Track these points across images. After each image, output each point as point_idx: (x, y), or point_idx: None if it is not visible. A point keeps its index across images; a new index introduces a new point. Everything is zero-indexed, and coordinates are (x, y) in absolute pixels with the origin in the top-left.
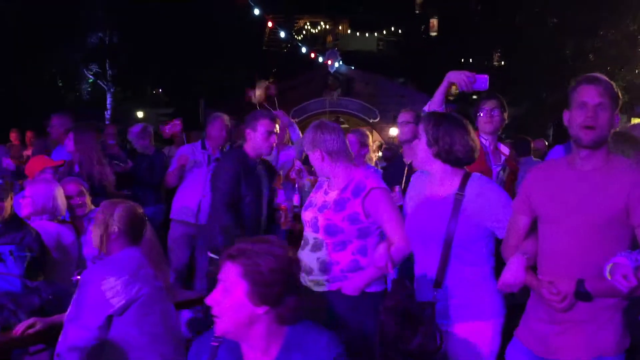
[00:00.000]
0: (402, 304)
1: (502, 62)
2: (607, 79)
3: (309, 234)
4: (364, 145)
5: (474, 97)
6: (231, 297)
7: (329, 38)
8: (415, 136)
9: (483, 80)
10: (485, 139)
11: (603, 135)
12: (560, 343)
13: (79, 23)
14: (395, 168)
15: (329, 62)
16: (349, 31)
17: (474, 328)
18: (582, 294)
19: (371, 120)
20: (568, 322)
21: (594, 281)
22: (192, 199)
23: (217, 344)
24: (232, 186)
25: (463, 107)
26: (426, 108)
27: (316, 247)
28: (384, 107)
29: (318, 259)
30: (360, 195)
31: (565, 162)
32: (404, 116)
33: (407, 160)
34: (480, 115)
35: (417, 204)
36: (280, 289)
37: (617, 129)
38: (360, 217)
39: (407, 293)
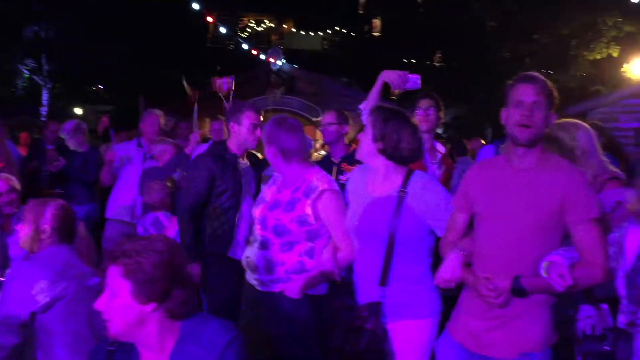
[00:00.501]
0: (348, 306)
1: (444, 63)
2: (543, 78)
3: (257, 231)
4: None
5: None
6: (117, 299)
7: (274, 36)
8: (340, 136)
9: (415, 80)
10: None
11: (538, 134)
12: (491, 339)
13: (14, 16)
14: (322, 167)
15: (272, 60)
16: (293, 30)
17: (413, 326)
18: (518, 291)
19: (314, 119)
20: (500, 318)
21: (530, 278)
22: (127, 197)
23: (113, 348)
24: (199, 193)
25: (401, 106)
26: (362, 106)
27: (263, 246)
28: (328, 106)
29: (264, 257)
30: (310, 196)
31: (503, 160)
32: (327, 117)
33: (335, 159)
34: (416, 113)
35: (358, 200)
36: (165, 284)
37: None
38: (309, 219)
39: (351, 294)
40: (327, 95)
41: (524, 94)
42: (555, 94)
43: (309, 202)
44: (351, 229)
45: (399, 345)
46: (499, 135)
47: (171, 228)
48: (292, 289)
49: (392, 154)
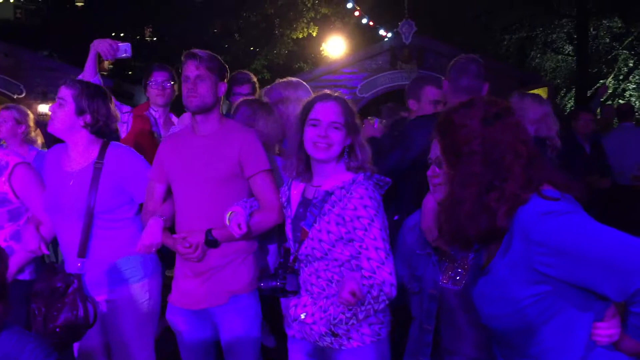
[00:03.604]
0: (49, 285)
1: (155, 38)
2: (208, 53)
3: None
4: (20, 122)
5: (129, 72)
6: None
7: None
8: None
9: (126, 49)
10: (155, 111)
11: (206, 102)
12: (204, 291)
13: None
14: None
15: None
16: None
17: (127, 291)
18: (211, 242)
19: (16, 97)
20: (208, 271)
21: (220, 229)
22: None
23: None
24: None
25: (119, 82)
26: (79, 78)
27: None
28: (30, 82)
29: None
30: (3, 173)
31: (189, 128)
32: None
33: None
34: (150, 87)
35: (54, 176)
36: None
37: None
38: (9, 197)
39: (55, 275)
40: (29, 69)
41: (188, 69)
42: (221, 65)
43: (3, 179)
44: (49, 207)
45: (117, 313)
46: None
47: None
48: None
49: (97, 128)
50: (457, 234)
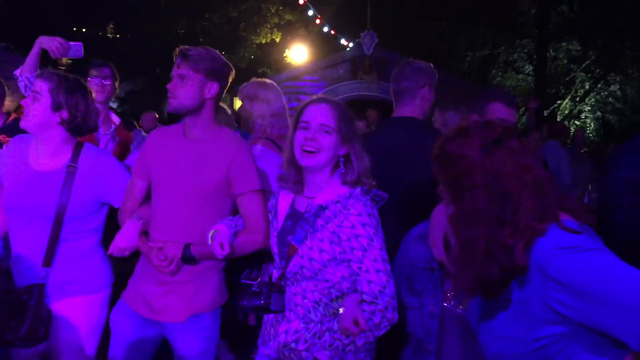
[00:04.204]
0: (8, 293)
1: (117, 35)
2: (200, 51)
3: None
4: None
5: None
6: None
7: None
8: None
9: (77, 48)
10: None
11: (184, 104)
12: (163, 304)
13: None
14: None
15: None
16: None
17: (82, 302)
18: (188, 258)
19: None
20: (171, 283)
21: (199, 246)
22: None
23: None
24: None
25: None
26: (18, 72)
27: None
28: None
29: None
30: None
31: (180, 129)
32: None
33: None
34: (90, 83)
35: (18, 175)
36: None
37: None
38: None
39: (8, 281)
40: None
41: (173, 68)
42: (213, 64)
43: None
44: (10, 205)
45: (66, 326)
46: None
47: None
48: None
49: (75, 125)
50: (479, 280)
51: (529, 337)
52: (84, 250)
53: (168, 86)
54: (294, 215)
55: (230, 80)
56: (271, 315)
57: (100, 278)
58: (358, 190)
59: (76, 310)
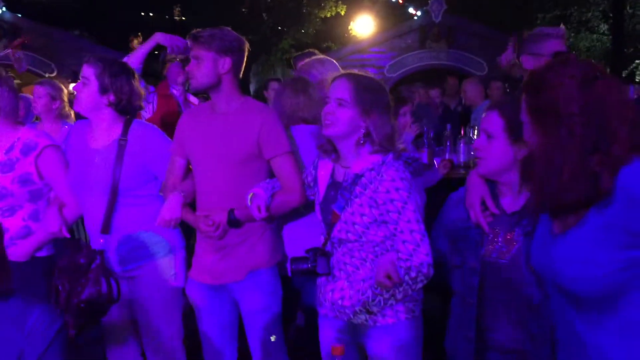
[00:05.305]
0: (73, 260)
1: (183, 18)
2: (209, 31)
3: None
4: (55, 98)
5: (156, 52)
6: None
7: None
8: None
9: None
10: (176, 90)
11: (201, 83)
12: (223, 267)
13: None
14: None
15: None
16: None
17: (153, 266)
18: (233, 222)
19: (47, 75)
20: (226, 247)
21: (242, 209)
22: None
23: None
24: None
25: (147, 62)
26: (126, 59)
27: None
28: (62, 61)
29: None
30: (30, 154)
31: (208, 106)
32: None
33: None
34: (171, 66)
35: (79, 152)
36: None
37: None
38: (33, 177)
39: (78, 250)
40: (60, 49)
41: (190, 53)
42: (222, 40)
43: (29, 159)
44: (74, 184)
45: (144, 288)
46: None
47: None
48: (15, 253)
49: (122, 106)
50: (553, 201)
51: (606, 260)
52: (145, 217)
53: (186, 68)
54: (335, 185)
55: (245, 53)
56: (322, 278)
57: (167, 242)
58: (390, 156)
59: (149, 274)
